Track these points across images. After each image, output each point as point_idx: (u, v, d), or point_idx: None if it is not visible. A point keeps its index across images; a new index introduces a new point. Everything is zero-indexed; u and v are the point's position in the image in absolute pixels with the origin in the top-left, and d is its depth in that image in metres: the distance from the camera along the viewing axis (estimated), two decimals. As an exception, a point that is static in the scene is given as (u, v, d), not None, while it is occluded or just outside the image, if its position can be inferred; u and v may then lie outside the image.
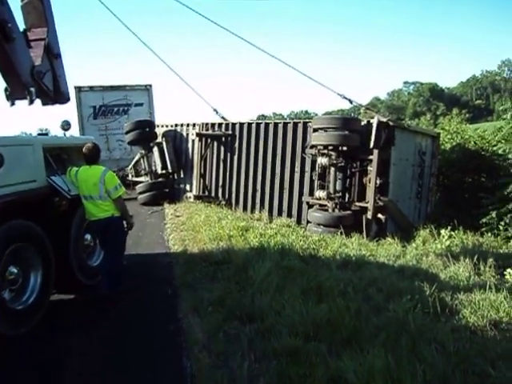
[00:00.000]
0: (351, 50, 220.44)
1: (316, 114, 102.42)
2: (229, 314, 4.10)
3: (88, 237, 5.53)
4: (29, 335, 3.96)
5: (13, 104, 6.08)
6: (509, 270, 5.99)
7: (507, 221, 8.67)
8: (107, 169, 5.01)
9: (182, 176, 12.99)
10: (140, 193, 12.58)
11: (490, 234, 8.58)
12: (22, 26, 6.08)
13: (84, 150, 4.94)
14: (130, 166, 13.99)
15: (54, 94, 6.55)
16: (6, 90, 5.90)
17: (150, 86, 15.89)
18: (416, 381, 2.74)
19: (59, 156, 5.25)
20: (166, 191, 12.67)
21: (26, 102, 6.08)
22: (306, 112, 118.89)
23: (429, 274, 5.86)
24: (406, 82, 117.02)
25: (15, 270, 4.10)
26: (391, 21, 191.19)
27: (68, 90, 7.02)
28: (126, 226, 5.09)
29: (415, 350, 3.27)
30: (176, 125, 13.40)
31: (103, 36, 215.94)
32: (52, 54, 6.49)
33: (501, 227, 8.65)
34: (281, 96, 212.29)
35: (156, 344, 3.83)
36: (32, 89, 5.95)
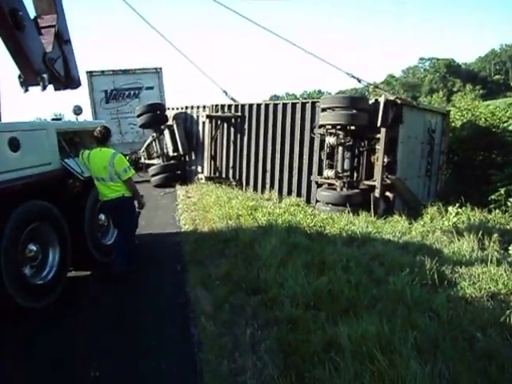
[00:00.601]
0: (365, 27, 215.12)
1: (329, 94, 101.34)
2: (235, 287, 4.33)
3: (102, 217, 5.79)
4: (51, 308, 4.26)
5: (26, 90, 6.30)
6: (513, 245, 6.08)
7: (516, 197, 8.68)
8: (116, 152, 5.21)
9: (193, 158, 13.22)
10: (152, 175, 12.84)
11: (498, 211, 8.61)
12: (32, 14, 6.28)
13: (95, 133, 5.14)
14: (143, 149, 14.23)
15: (66, 80, 6.76)
16: (19, 76, 6.11)
17: (160, 68, 15.96)
18: (407, 345, 2.91)
19: (72, 140, 5.47)
20: (177, 173, 12.92)
21: (39, 88, 6.32)
22: (319, 91, 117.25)
23: (432, 249, 5.97)
24: (421, 59, 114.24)
25: (34, 248, 4.37)
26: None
27: (79, 75, 7.22)
28: (137, 205, 5.33)
29: (410, 318, 3.44)
30: (186, 107, 13.55)
31: (111, 19, 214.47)
32: (62, 40, 6.66)
33: (509, 203, 8.67)
34: (294, 76, 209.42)
35: (166, 315, 4.10)
36: (44, 75, 6.16)
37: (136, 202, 5.29)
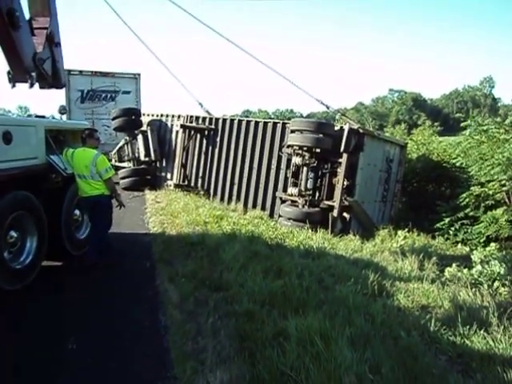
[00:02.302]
0: (339, 54, 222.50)
1: (301, 114, 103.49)
2: (199, 283, 4.81)
3: (77, 212, 6.13)
4: (25, 291, 4.58)
5: (14, 86, 6.58)
6: (448, 268, 6.84)
7: (457, 227, 9.63)
8: (99, 153, 5.61)
9: (163, 165, 13.53)
10: (122, 178, 13.06)
11: (441, 238, 9.52)
12: (27, 15, 6.61)
13: (82, 133, 5.53)
14: (114, 152, 14.40)
15: (52, 80, 7.09)
16: (8, 73, 6.41)
17: (139, 75, 16.30)
18: (343, 337, 3.48)
19: (57, 137, 5.82)
20: (147, 178, 13.20)
21: (25, 84, 6.62)
22: (291, 111, 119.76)
23: (378, 266, 6.64)
24: (391, 90, 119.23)
25: (15, 234, 4.70)
26: (381, 27, 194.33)
27: (64, 77, 7.57)
28: (117, 204, 5.73)
29: (349, 318, 4.02)
30: (161, 115, 13.93)
31: (93, 18, 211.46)
32: (53, 42, 7.01)
33: (451, 232, 9.60)
34: (267, 92, 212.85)
35: (135, 304, 4.52)
36: (33, 73, 6.49)
37: (115, 201, 5.69)
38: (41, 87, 7.03)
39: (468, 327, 4.18)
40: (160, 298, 4.56)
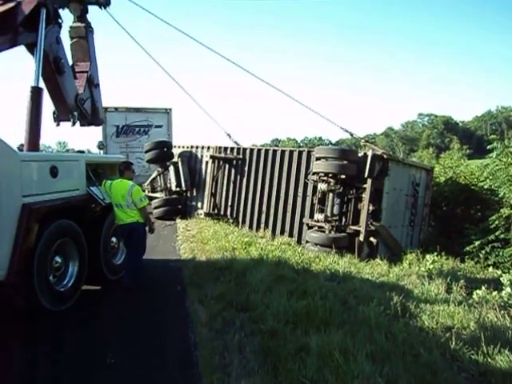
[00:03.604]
0: (367, 79, 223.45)
1: (330, 141, 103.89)
2: (227, 305, 5.07)
3: (113, 239, 6.59)
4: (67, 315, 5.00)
5: (58, 125, 7.29)
6: (477, 290, 6.80)
7: (487, 250, 9.50)
8: (134, 183, 6.08)
9: (194, 194, 14.01)
10: (155, 207, 13.61)
11: (471, 261, 9.41)
12: (70, 61, 7.33)
13: (119, 166, 6.04)
14: (147, 183, 15.06)
15: (92, 118, 7.76)
16: (54, 113, 7.13)
17: (170, 109, 17.18)
18: (362, 353, 3.64)
19: (96, 170, 6.34)
20: (179, 207, 13.69)
21: (68, 123, 7.30)
22: (320, 138, 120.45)
23: (404, 289, 6.69)
24: (420, 114, 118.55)
25: (59, 260, 5.15)
26: (409, 51, 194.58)
27: (102, 115, 8.24)
28: (148, 230, 6.15)
29: (370, 336, 4.17)
30: (191, 146, 14.54)
31: (123, 56, 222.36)
32: (92, 83, 7.74)
33: (481, 255, 9.48)
34: (296, 121, 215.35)
35: (168, 322, 4.83)
36: (75, 113, 7.17)
37: (147, 228, 6.11)
38: (81, 125, 7.70)
39: (492, 347, 4.22)
40: (190, 317, 4.85)
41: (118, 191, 5.86)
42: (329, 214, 9.81)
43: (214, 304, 5.11)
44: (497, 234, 9.65)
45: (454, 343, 4.24)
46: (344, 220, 9.94)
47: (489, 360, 4.00)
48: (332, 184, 9.78)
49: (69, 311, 5.02)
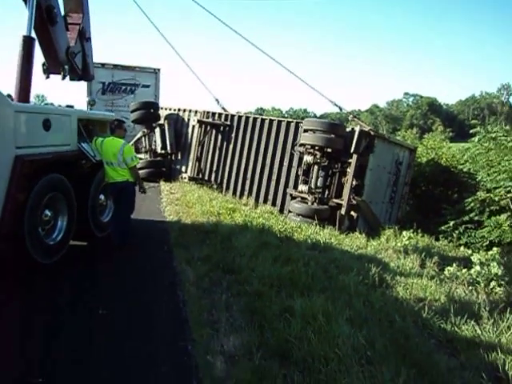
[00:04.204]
0: (356, 54, 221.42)
1: (315, 114, 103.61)
2: (213, 266, 5.25)
3: (102, 196, 6.62)
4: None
5: (48, 77, 7.09)
6: (449, 267, 7.17)
7: (461, 230, 9.94)
8: (126, 142, 6.07)
9: (179, 158, 13.97)
10: (139, 168, 13.51)
11: (445, 240, 9.83)
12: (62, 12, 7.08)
13: (111, 123, 6.00)
14: (132, 143, 14.89)
15: (82, 72, 7.58)
16: (43, 64, 6.91)
17: (159, 69, 16.83)
18: (343, 317, 3.88)
19: (87, 126, 6.28)
20: (163, 170, 13.67)
21: (59, 77, 7.11)
22: (305, 111, 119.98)
23: (381, 261, 6.98)
24: (406, 94, 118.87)
25: (49, 213, 5.18)
26: (398, 29, 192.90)
27: (93, 70, 8.05)
28: (139, 189, 6.20)
29: (349, 302, 4.42)
30: (179, 109, 14.37)
31: (114, 10, 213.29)
32: (84, 37, 7.51)
33: (454, 235, 9.91)
34: (281, 91, 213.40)
35: (156, 280, 4.98)
36: (66, 66, 6.98)
37: (137, 187, 6.16)
38: (71, 79, 7.51)
39: (459, 318, 4.54)
40: (178, 276, 5.01)
41: (109, 149, 5.85)
42: (313, 186, 10.00)
43: (201, 265, 5.28)
44: (471, 215, 10.06)
45: (425, 313, 4.55)
46: (327, 193, 10.14)
47: (456, 329, 4.32)
48: (318, 157, 9.91)
49: (57, 267, 5.10)
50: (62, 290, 4.61)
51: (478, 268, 6.75)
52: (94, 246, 6.20)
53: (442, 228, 10.38)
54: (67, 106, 7.40)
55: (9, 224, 4.33)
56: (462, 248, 9.61)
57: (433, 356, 3.56)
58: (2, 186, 4.27)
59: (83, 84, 16.26)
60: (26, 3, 5.89)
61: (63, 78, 7.07)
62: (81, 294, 4.50)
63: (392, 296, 5.14)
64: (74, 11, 7.34)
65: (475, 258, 7.25)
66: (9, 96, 5.82)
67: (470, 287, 6.07)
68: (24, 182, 4.49)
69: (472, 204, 10.11)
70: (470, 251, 9.39)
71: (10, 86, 5.82)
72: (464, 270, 6.73)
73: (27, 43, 5.66)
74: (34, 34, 6.01)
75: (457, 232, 9.99)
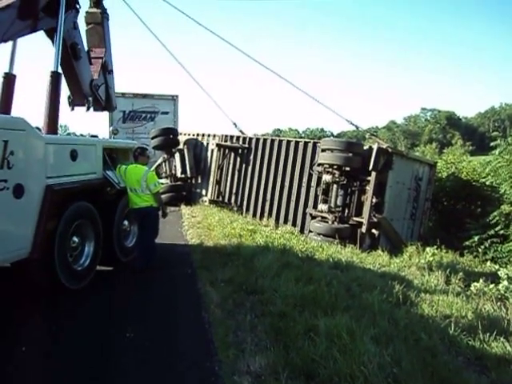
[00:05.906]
0: (371, 72, 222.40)
1: (332, 133, 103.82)
2: (237, 287, 5.31)
3: (126, 222, 6.81)
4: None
5: (73, 109, 7.43)
6: (475, 283, 7.04)
7: (486, 245, 9.75)
8: (149, 169, 6.28)
9: (199, 181, 14.20)
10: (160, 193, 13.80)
11: (470, 256, 9.66)
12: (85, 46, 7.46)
13: (134, 151, 6.23)
14: (152, 169, 15.22)
15: (105, 103, 7.91)
16: (69, 97, 7.26)
17: (177, 96, 17.28)
18: (368, 335, 3.87)
19: (110, 155, 6.53)
20: (183, 194, 13.90)
21: (83, 108, 7.44)
22: (322, 130, 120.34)
23: (405, 279, 6.92)
24: (423, 109, 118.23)
25: (77, 240, 5.36)
26: (414, 45, 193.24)
27: (115, 100, 8.38)
28: (161, 214, 6.37)
29: (374, 321, 4.40)
30: (197, 134, 14.70)
31: (132, 41, 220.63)
32: (107, 70, 7.87)
33: (480, 250, 9.73)
34: (298, 111, 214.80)
35: (181, 302, 5.07)
36: (90, 98, 7.31)
37: (160, 212, 6.33)
38: (95, 110, 7.85)
39: (488, 335, 4.46)
40: (202, 298, 5.09)
41: (132, 176, 6.05)
42: (332, 205, 10.02)
43: (225, 287, 5.35)
44: (496, 229, 9.88)
45: (452, 330, 4.49)
46: (347, 211, 10.15)
47: (485, 346, 4.25)
48: (336, 175, 9.97)
49: (84, 291, 5.24)
50: (89, 313, 4.73)
51: (505, 283, 6.63)
52: (118, 270, 6.35)
53: (467, 243, 10.21)
54: (92, 136, 7.72)
55: (40, 250, 4.51)
56: (488, 263, 9.41)
57: (462, 373, 3.51)
58: (33, 214, 4.47)
59: (103, 113, 16.80)
60: (52, 42, 6.25)
61: (87, 109, 7.39)
62: (108, 317, 4.61)
63: (417, 313, 5.09)
64: (97, 46, 7.73)
65: (502, 272, 7.11)
66: (37, 128, 6.14)
67: (499, 303, 5.94)
68: (54, 209, 4.69)
69: (497, 218, 9.95)
70: (496, 266, 9.19)
71: (34, 117, 6.10)
72: (491, 286, 6.60)
73: (55, 78, 5.96)
74: (60, 70, 6.35)
75: (482, 247, 9.82)
